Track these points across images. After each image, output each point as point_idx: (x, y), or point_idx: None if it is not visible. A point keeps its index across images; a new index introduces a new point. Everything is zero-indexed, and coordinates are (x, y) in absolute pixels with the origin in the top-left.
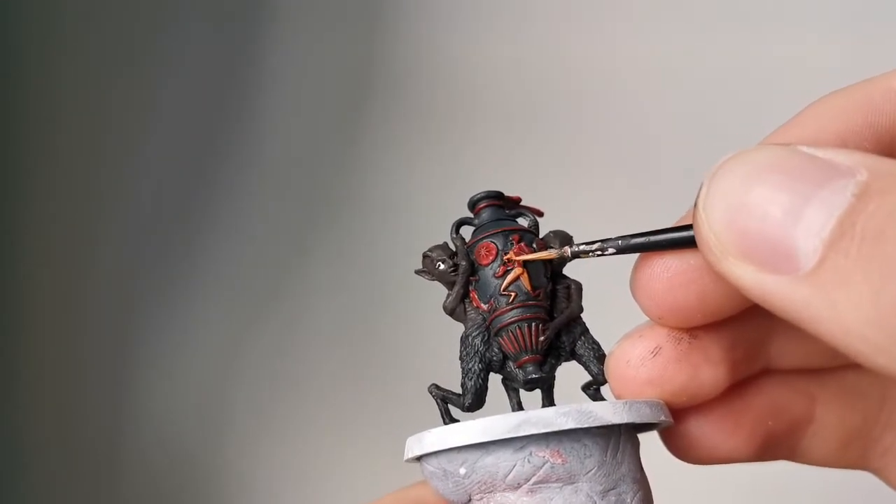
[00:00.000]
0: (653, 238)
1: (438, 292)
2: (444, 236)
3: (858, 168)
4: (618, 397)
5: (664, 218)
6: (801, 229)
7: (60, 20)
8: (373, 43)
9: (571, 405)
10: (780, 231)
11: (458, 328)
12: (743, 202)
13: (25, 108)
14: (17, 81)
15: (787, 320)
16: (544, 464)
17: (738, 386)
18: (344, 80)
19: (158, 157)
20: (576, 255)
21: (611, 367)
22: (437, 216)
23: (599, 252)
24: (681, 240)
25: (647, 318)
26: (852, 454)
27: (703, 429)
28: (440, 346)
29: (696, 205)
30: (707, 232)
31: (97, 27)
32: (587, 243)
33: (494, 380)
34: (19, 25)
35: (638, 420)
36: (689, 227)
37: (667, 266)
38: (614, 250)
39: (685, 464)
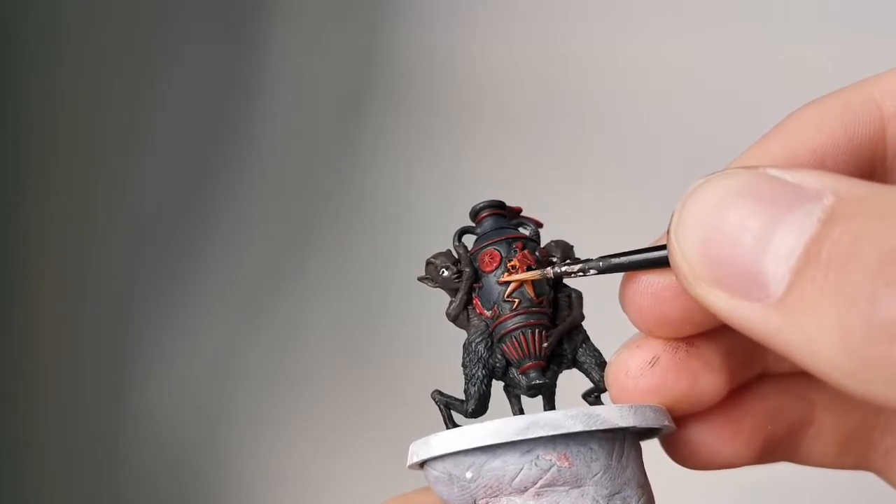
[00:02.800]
0: (633, 258)
1: (438, 294)
2: (443, 236)
3: (825, 192)
4: None
5: (666, 220)
6: (769, 256)
7: (60, 20)
8: (374, 43)
9: (579, 408)
10: (750, 258)
11: (458, 330)
12: (713, 230)
13: (25, 108)
14: (17, 81)
15: (763, 345)
16: (551, 467)
17: (736, 391)
18: (344, 80)
19: (158, 156)
20: (559, 277)
21: (610, 378)
22: (438, 216)
23: (581, 273)
24: (659, 259)
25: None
26: (853, 455)
27: (703, 435)
28: (440, 349)
29: (668, 232)
30: (680, 259)
31: (97, 26)
32: (569, 264)
33: (495, 386)
34: (19, 26)
35: (643, 424)
36: (665, 247)
37: (650, 282)
38: (596, 271)
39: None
